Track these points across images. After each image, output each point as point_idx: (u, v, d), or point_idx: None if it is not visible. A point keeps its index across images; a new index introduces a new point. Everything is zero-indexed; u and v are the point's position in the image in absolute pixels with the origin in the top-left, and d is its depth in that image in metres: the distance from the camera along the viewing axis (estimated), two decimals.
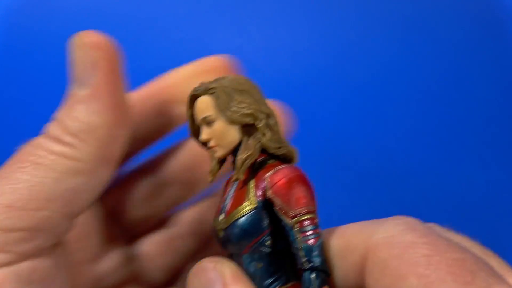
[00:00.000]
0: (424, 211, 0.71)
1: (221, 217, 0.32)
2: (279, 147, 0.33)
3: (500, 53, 0.74)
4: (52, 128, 0.32)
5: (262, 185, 0.31)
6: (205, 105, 0.33)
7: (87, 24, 0.74)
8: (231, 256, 0.32)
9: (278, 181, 0.30)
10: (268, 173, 0.31)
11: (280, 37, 0.75)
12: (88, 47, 0.32)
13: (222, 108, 0.32)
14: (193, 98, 0.34)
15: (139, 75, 0.73)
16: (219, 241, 0.33)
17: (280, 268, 0.31)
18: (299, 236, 0.29)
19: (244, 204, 0.31)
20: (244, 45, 0.75)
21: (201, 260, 0.30)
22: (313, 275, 0.28)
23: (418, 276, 0.23)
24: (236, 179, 0.32)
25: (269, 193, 0.30)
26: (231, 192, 0.33)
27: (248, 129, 0.32)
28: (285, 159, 0.34)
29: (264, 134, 0.32)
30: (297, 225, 0.29)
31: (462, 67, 0.74)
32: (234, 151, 0.33)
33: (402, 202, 0.71)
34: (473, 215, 0.71)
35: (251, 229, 0.31)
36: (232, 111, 0.32)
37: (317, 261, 0.28)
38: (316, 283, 0.28)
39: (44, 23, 0.74)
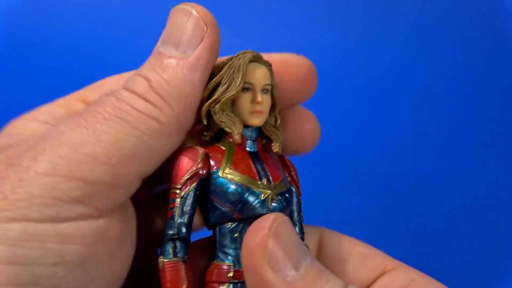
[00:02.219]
0: (424, 211, 0.71)
1: (268, 182, 0.33)
2: None
3: (500, 53, 0.74)
4: (138, 84, 0.31)
5: (285, 165, 0.37)
6: (268, 75, 0.35)
7: (87, 24, 0.74)
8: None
9: (294, 165, 0.37)
10: (285, 158, 0.37)
11: (280, 37, 0.75)
12: (199, 19, 0.32)
13: (275, 86, 0.36)
14: (255, 59, 0.35)
15: None
16: (264, 205, 0.32)
17: None
18: (301, 210, 0.37)
19: (284, 177, 0.35)
20: (244, 45, 0.75)
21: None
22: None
23: (364, 246, 0.37)
24: (278, 151, 0.35)
25: (293, 173, 0.37)
26: (257, 161, 0.34)
27: None
28: None
29: (273, 123, 0.37)
30: (301, 202, 0.37)
31: (462, 68, 0.74)
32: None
33: (402, 202, 0.71)
34: (473, 215, 0.71)
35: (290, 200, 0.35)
36: (277, 94, 0.36)
37: None
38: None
39: (44, 23, 0.74)
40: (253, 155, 0.34)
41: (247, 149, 0.35)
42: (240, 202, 0.32)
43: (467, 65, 0.74)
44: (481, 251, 0.69)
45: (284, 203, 0.34)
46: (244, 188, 0.32)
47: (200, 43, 0.32)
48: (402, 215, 0.71)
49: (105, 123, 0.29)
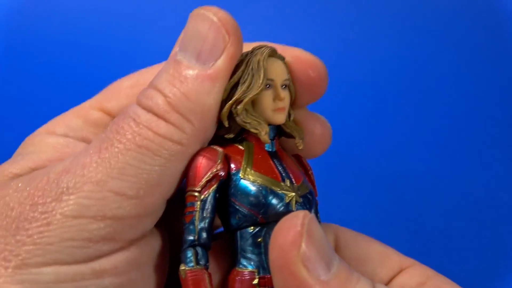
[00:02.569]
0: (424, 211, 0.71)
1: (291, 183, 0.32)
2: None
3: (500, 53, 0.74)
4: (155, 101, 0.29)
5: (302, 165, 0.35)
6: (285, 69, 0.34)
7: (87, 24, 0.74)
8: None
9: (309, 163, 0.36)
10: (303, 158, 0.36)
11: (280, 37, 0.75)
12: (220, 27, 0.30)
13: (290, 79, 0.34)
14: (272, 54, 0.33)
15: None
16: (289, 208, 0.31)
17: None
18: (318, 211, 0.36)
19: (305, 178, 0.34)
20: (244, 45, 0.75)
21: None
22: None
23: (380, 244, 0.37)
24: (303, 148, 0.34)
25: (310, 173, 0.36)
26: (279, 162, 0.33)
27: None
28: None
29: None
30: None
31: (463, 68, 0.74)
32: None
33: (402, 202, 0.71)
34: (473, 215, 0.71)
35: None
36: (292, 86, 0.34)
37: None
38: None
39: (44, 23, 0.74)
40: (273, 155, 0.33)
41: (266, 148, 0.33)
42: (264, 205, 0.30)
43: (467, 65, 0.74)
44: (481, 251, 0.69)
45: (307, 206, 0.32)
46: (268, 190, 0.30)
47: (221, 54, 0.30)
48: (402, 215, 0.70)
49: (127, 153, 0.28)
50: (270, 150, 0.33)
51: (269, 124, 0.33)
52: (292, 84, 0.34)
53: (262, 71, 0.31)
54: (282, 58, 0.34)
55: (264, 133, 0.32)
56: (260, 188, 0.30)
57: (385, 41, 0.75)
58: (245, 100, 0.31)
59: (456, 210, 0.71)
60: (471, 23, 0.75)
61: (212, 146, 0.32)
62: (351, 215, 0.69)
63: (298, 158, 0.36)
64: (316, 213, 0.36)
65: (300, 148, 0.34)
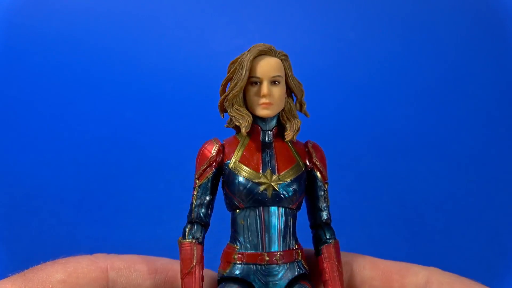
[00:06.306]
0: (424, 211, 0.71)
1: (271, 173, 0.35)
2: None
3: (500, 53, 0.74)
4: None
5: (305, 151, 0.38)
6: (278, 66, 0.36)
7: (87, 24, 0.74)
8: (263, 210, 0.35)
9: (320, 150, 0.38)
10: (308, 144, 0.38)
11: (280, 37, 0.75)
12: None
13: (290, 75, 0.37)
14: (262, 53, 0.36)
15: (140, 74, 0.73)
16: (264, 196, 0.35)
17: (295, 226, 0.37)
18: (327, 196, 0.38)
19: (296, 165, 0.36)
20: (244, 45, 0.75)
21: None
22: (332, 228, 0.38)
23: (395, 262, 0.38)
24: (291, 140, 0.37)
25: (315, 159, 0.38)
26: (268, 152, 0.37)
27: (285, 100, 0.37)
28: None
29: (298, 109, 0.38)
30: (327, 187, 0.38)
31: (462, 68, 0.74)
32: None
33: (402, 202, 0.71)
34: (473, 215, 0.71)
35: (303, 187, 0.37)
36: (295, 82, 0.37)
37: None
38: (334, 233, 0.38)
39: (44, 23, 0.74)
40: (266, 145, 0.37)
41: (261, 139, 0.37)
42: (242, 193, 0.35)
43: (467, 65, 0.74)
44: (481, 251, 0.69)
45: (290, 193, 0.35)
46: (246, 181, 0.35)
47: None
48: (402, 215, 0.70)
49: None
50: (265, 140, 0.37)
51: (262, 117, 0.37)
52: (293, 79, 0.37)
53: (244, 70, 0.35)
54: (280, 55, 0.37)
55: (243, 126, 0.36)
56: (241, 178, 0.35)
57: (385, 41, 0.75)
58: (229, 96, 0.36)
59: (456, 210, 0.71)
60: (471, 23, 0.75)
61: (213, 138, 0.37)
62: (352, 215, 0.69)
63: (305, 145, 0.39)
64: (324, 197, 0.38)
65: (287, 139, 0.37)
